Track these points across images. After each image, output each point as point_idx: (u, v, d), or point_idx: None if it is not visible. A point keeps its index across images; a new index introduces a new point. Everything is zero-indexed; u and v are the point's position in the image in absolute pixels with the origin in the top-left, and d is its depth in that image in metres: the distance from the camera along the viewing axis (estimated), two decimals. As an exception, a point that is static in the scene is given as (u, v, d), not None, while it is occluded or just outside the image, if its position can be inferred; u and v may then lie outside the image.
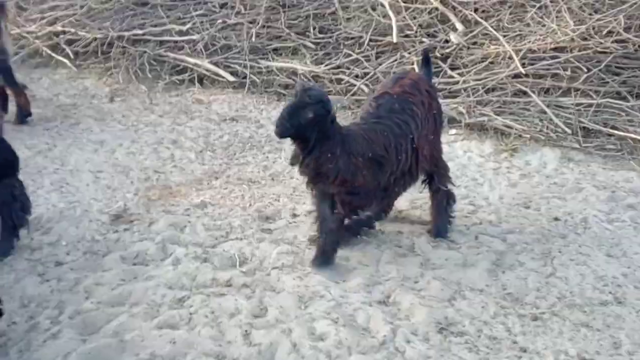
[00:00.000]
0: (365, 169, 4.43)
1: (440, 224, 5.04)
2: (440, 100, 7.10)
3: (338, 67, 8.19)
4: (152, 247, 4.94)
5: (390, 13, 8.42)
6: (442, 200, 5.03)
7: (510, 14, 8.06)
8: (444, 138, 6.77)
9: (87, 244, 5.04)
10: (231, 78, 8.77)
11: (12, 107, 8.16)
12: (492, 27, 7.89)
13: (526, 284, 4.47)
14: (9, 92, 7.78)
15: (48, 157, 6.92)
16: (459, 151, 6.63)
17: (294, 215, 5.41)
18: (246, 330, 3.94)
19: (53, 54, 10.37)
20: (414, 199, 5.64)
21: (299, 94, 4.21)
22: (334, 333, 3.88)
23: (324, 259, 4.60)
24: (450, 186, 5.10)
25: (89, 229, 5.27)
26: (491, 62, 7.62)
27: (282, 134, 4.25)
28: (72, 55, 10.18)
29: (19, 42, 10.48)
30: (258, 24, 9.31)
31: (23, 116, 7.90)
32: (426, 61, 5.17)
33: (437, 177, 5.03)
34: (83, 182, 6.23)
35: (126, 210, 5.63)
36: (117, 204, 5.73)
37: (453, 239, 5.00)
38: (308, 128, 4.20)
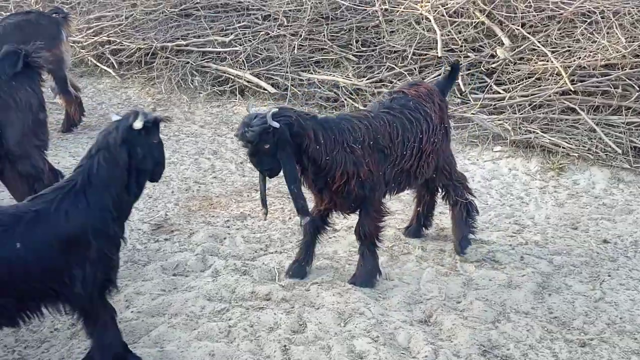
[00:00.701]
0: (367, 157, 4.29)
1: (461, 239, 4.92)
2: (484, 116, 7.06)
3: (380, 80, 8.13)
4: (192, 258, 4.93)
5: (435, 27, 8.34)
6: (461, 213, 4.92)
7: (559, 29, 7.90)
8: (487, 155, 6.72)
9: (128, 252, 5.05)
10: (272, 90, 8.77)
11: (59, 115, 8.32)
12: (540, 42, 7.75)
13: (574, 308, 4.32)
14: (60, 100, 7.95)
15: (91, 164, 6.98)
16: (503, 169, 6.49)
17: (334, 230, 5.35)
18: (285, 346, 3.88)
19: (98, 64, 10.56)
20: (456, 216, 5.53)
21: (242, 143, 4.05)
22: (373, 352, 3.79)
23: (367, 277, 4.52)
24: (470, 197, 4.98)
25: (130, 237, 5.29)
26: (538, 78, 7.47)
27: (272, 175, 4.20)
28: (116, 65, 10.34)
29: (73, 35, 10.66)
30: (300, 36, 9.32)
31: (70, 124, 8.04)
32: (452, 74, 5.08)
33: (452, 190, 4.92)
34: (125, 191, 6.26)
35: (167, 220, 5.64)
36: (158, 214, 5.75)
37: (497, 258, 4.87)
38: (275, 154, 4.04)
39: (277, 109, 4.07)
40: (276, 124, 3.96)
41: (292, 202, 4.22)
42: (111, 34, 10.67)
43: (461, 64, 7.96)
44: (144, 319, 4.11)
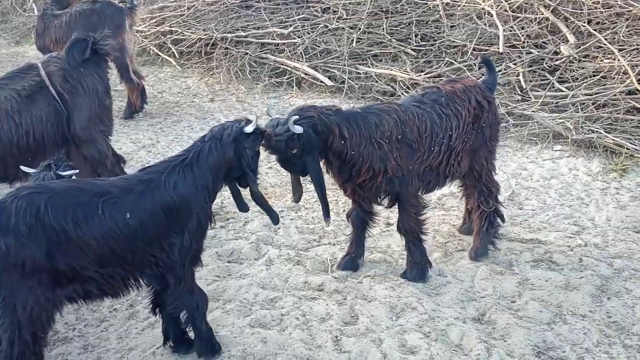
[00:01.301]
0: (395, 151, 4.24)
1: (478, 248, 4.80)
2: (545, 115, 6.90)
3: (439, 75, 8.04)
4: (246, 246, 5.00)
5: (498, 22, 8.19)
6: (483, 221, 4.78)
7: (627, 27, 7.64)
8: (547, 154, 6.57)
9: (184, 238, 5.15)
10: (329, 82, 8.79)
11: (121, 102, 8.55)
12: (606, 40, 7.51)
13: (633, 312, 4.19)
14: (124, 86, 8.17)
15: (151, 152, 7.17)
16: (563, 168, 6.34)
17: (388, 224, 5.34)
18: (336, 336, 3.90)
19: (160, 53, 10.79)
20: (513, 216, 5.44)
21: (270, 150, 4.06)
22: (425, 347, 3.78)
23: (418, 272, 4.50)
24: (497, 206, 4.85)
25: (187, 223, 5.40)
26: (603, 77, 7.25)
27: (303, 175, 4.22)
28: (177, 55, 10.55)
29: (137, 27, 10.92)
30: (359, 29, 9.30)
31: (132, 112, 8.26)
32: (489, 68, 4.95)
33: (477, 193, 4.78)
34: (183, 178, 6.39)
35: (223, 208, 5.74)
36: (215, 202, 5.82)
37: (554, 259, 4.77)
38: (301, 157, 4.06)
39: (298, 114, 4.06)
40: (299, 129, 3.96)
41: (320, 201, 4.28)
42: (173, 24, 10.89)
43: (522, 60, 7.80)
44: (199, 304, 4.18)
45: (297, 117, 4.01)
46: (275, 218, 3.88)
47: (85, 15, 7.73)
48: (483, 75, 7.41)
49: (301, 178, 4.35)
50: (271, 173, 6.54)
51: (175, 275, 3.46)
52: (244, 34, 10.12)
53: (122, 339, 3.97)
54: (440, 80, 7.95)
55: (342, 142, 4.11)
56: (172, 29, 10.84)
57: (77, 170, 3.87)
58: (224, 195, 5.98)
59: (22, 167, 3.95)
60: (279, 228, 5.31)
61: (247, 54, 9.80)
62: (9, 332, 3.05)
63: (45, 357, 3.65)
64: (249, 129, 3.56)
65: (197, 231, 3.48)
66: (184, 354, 3.75)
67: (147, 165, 3.61)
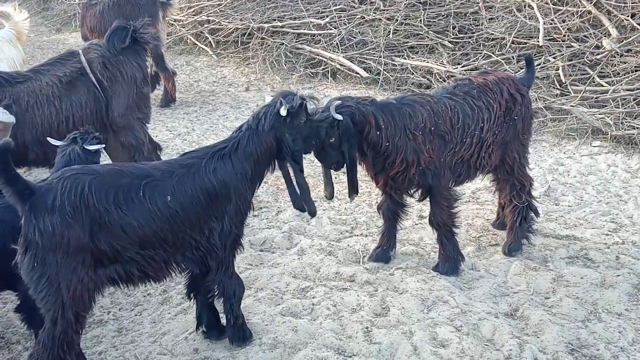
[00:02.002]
0: (428, 143, 4.21)
1: (511, 243, 4.74)
2: (584, 109, 6.77)
3: (476, 68, 7.92)
4: (278, 235, 5.03)
5: (538, 15, 8.05)
6: (515, 215, 4.71)
7: (672, 21, 7.45)
8: (585, 149, 6.45)
9: (218, 226, 5.21)
10: (364, 74, 8.76)
11: (157, 91, 8.65)
12: (650, 34, 7.34)
13: (671, 313, 4.11)
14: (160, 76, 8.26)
15: (187, 140, 7.25)
16: (602, 164, 6.22)
17: (421, 217, 5.31)
18: (367, 327, 3.91)
19: (197, 42, 10.88)
20: (548, 211, 5.37)
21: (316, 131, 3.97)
22: (456, 341, 3.75)
23: (451, 265, 4.48)
24: (530, 201, 4.77)
25: (221, 211, 5.45)
26: (646, 72, 7.09)
27: (338, 167, 4.18)
28: (213, 44, 10.63)
29: (167, 29, 11.05)
30: (396, 20, 9.24)
31: (168, 100, 8.35)
32: (529, 66, 4.86)
33: (509, 187, 4.71)
34: (217, 166, 6.45)
35: (256, 197, 5.75)
36: (248, 190, 5.88)
37: (590, 257, 4.69)
38: (341, 146, 4.04)
39: (339, 101, 4.06)
40: (340, 117, 3.96)
41: (349, 187, 4.25)
42: (210, 13, 10.96)
43: (562, 54, 7.67)
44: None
45: (338, 103, 4.02)
46: (312, 211, 3.88)
47: (119, 5, 7.84)
48: (521, 69, 7.35)
49: (332, 173, 4.33)
50: (305, 163, 6.52)
51: (217, 259, 3.52)
52: (280, 24, 10.14)
53: (156, 323, 4.03)
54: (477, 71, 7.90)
55: (378, 132, 4.11)
56: (210, 18, 10.92)
57: (103, 145, 3.88)
58: (258, 185, 6.02)
59: (49, 139, 3.99)
60: (311, 219, 5.32)
61: (283, 44, 9.82)
62: (52, 311, 3.12)
63: (81, 339, 3.74)
64: (283, 112, 3.54)
65: (237, 217, 3.54)
66: (216, 340, 3.80)
67: (188, 151, 3.65)
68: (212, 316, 3.79)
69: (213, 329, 3.80)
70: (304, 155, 3.82)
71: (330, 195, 4.33)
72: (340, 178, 6.14)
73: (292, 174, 3.81)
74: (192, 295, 3.77)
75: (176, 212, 3.30)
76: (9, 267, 3.28)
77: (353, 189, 4.26)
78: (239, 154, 3.51)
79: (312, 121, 3.79)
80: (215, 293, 3.65)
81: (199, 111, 8.28)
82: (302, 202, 3.82)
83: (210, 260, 3.52)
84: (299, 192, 3.82)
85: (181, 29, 11.20)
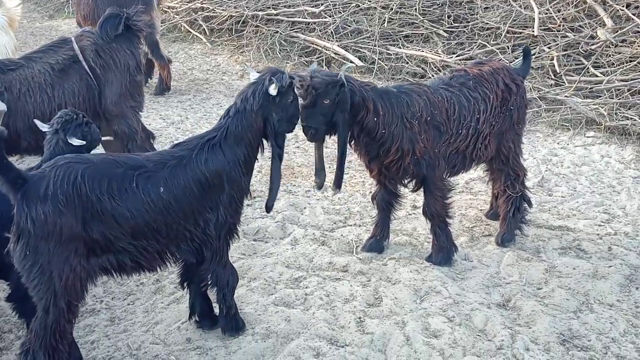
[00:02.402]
0: (423, 133, 4.21)
1: (504, 233, 4.75)
2: (579, 100, 6.77)
3: (471, 57, 7.90)
4: (272, 225, 5.02)
5: (533, 4, 8.02)
6: (510, 206, 4.72)
7: (667, 11, 7.44)
8: (579, 140, 6.46)
9: (211, 215, 5.20)
10: (359, 63, 8.71)
11: (151, 79, 8.60)
12: (645, 24, 7.32)
13: (662, 304, 4.13)
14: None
15: (180, 129, 7.21)
16: (595, 155, 6.22)
17: (414, 207, 5.31)
18: (360, 317, 3.92)
19: (190, 30, 10.81)
20: (541, 202, 5.38)
21: (303, 90, 3.92)
22: (448, 331, 3.77)
23: (444, 256, 4.48)
24: (524, 191, 4.79)
25: (214, 200, 5.44)
26: (640, 63, 7.09)
27: (314, 138, 4.07)
28: (207, 32, 10.56)
29: (161, 16, 10.97)
30: (391, 9, 9.20)
31: (162, 88, 8.31)
32: (526, 58, 4.87)
33: (503, 177, 4.72)
34: (211, 155, 6.43)
35: (252, 187, 5.74)
36: (242, 179, 5.86)
37: (583, 247, 4.70)
38: (331, 116, 3.98)
39: (347, 69, 4.05)
40: (345, 83, 3.95)
41: (336, 169, 4.19)
42: (204, 1, 10.88)
43: (557, 43, 7.65)
44: (224, 280, 4.22)
45: (349, 67, 3.99)
46: (270, 206, 3.80)
47: None
48: (516, 59, 7.34)
49: (325, 161, 4.29)
50: (298, 152, 6.54)
51: (212, 249, 3.52)
52: (274, 12, 10.08)
53: (148, 312, 4.03)
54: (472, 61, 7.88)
55: (375, 119, 4.09)
56: (204, 5, 10.84)
57: (84, 142, 3.67)
58: (251, 174, 6.00)
59: (36, 121, 3.83)
60: (304, 208, 5.32)
61: (277, 32, 9.76)
62: (44, 300, 3.11)
63: (74, 328, 3.74)
64: (272, 91, 3.48)
65: (231, 206, 3.52)
66: (209, 329, 3.80)
67: (179, 142, 3.61)
68: (205, 305, 3.79)
69: (206, 318, 3.81)
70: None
71: (320, 184, 4.28)
72: (333, 167, 6.13)
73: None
74: (185, 284, 3.77)
75: (169, 203, 3.28)
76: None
77: (338, 183, 4.24)
78: (230, 141, 3.47)
79: (296, 99, 3.71)
80: (209, 283, 3.64)
81: (193, 99, 8.24)
82: (269, 192, 3.74)
83: (205, 250, 3.52)
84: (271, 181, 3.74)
85: (175, 16, 11.13)
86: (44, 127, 3.78)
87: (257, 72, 3.65)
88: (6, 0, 6.70)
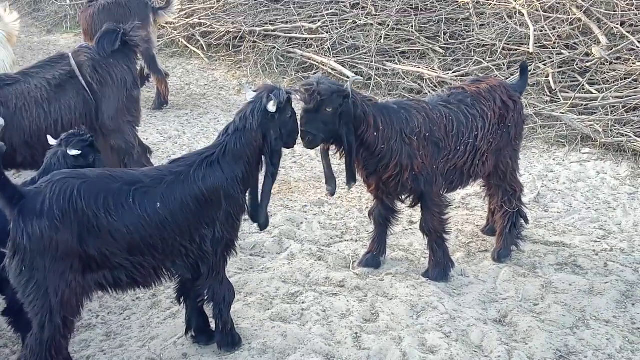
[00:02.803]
0: (422, 149, 4.23)
1: (500, 249, 4.76)
2: (574, 116, 6.80)
3: (466, 74, 7.96)
4: (269, 240, 5.02)
5: (529, 22, 8.09)
6: (505, 221, 4.75)
7: (661, 29, 7.51)
8: (575, 156, 6.48)
9: (208, 230, 5.19)
10: (355, 78, 8.73)
11: (149, 93, 8.62)
12: (639, 42, 7.37)
13: (659, 320, 4.13)
14: (152, 78, 8.23)
15: (177, 143, 7.23)
16: (591, 171, 6.25)
17: (411, 222, 5.32)
18: (356, 333, 3.90)
19: (188, 45, 10.85)
20: (537, 218, 5.39)
21: (307, 96, 3.97)
22: (445, 347, 3.76)
23: (441, 271, 4.48)
24: (520, 207, 4.81)
25: (211, 215, 5.44)
26: (635, 80, 7.14)
27: (311, 144, 4.06)
28: (205, 47, 10.60)
29: (159, 31, 11.01)
30: (388, 25, 9.26)
31: (160, 103, 8.33)
32: (522, 74, 4.93)
33: (500, 193, 4.75)
34: (208, 170, 6.44)
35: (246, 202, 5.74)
36: (239, 194, 5.86)
37: (579, 263, 4.71)
38: (333, 126, 4.01)
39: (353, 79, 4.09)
40: (351, 95, 3.98)
41: (346, 166, 4.19)
42: (202, 16, 10.94)
43: (552, 61, 7.71)
44: (220, 295, 4.20)
45: (356, 79, 4.01)
46: (263, 223, 3.75)
47: (110, 8, 7.82)
48: (512, 75, 7.39)
49: (334, 170, 4.30)
50: (295, 167, 6.55)
51: (208, 264, 3.51)
52: (272, 27, 10.14)
53: (144, 327, 4.01)
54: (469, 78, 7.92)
55: (375, 133, 4.12)
56: (201, 21, 10.90)
57: (80, 152, 3.76)
58: (248, 189, 6.01)
59: (49, 137, 3.94)
60: (301, 223, 5.32)
61: (274, 47, 9.81)
62: (40, 316, 3.10)
63: (69, 343, 3.72)
64: (271, 108, 3.49)
65: (228, 222, 3.51)
66: (205, 345, 3.79)
67: (176, 158, 3.60)
68: (202, 321, 3.78)
69: (202, 333, 3.79)
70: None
71: (332, 191, 4.28)
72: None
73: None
74: (181, 299, 3.76)
75: (165, 219, 3.28)
76: None
77: (352, 176, 4.23)
78: (228, 158, 3.47)
79: (294, 114, 3.74)
80: (205, 298, 3.63)
81: (190, 114, 8.26)
82: (258, 209, 3.70)
83: (202, 266, 3.51)
84: (260, 199, 3.71)
85: (173, 31, 11.17)
86: (52, 141, 3.84)
87: (254, 90, 3.66)
88: (5, 15, 6.72)
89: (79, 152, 3.73)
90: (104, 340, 3.95)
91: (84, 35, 8.05)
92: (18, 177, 5.78)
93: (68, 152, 3.74)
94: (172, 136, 7.43)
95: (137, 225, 3.20)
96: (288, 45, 9.84)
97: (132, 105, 5.09)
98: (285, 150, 7.05)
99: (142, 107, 5.36)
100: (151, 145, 6.08)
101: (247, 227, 5.25)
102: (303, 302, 4.20)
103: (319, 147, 4.23)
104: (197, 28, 10.91)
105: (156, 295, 4.35)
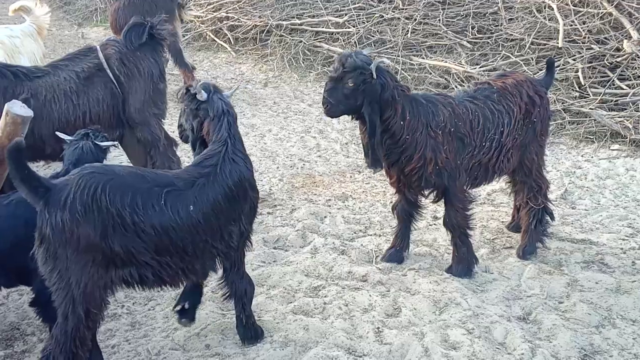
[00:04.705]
0: (446, 144, 4.20)
1: (526, 246, 4.71)
2: (603, 112, 6.70)
3: (494, 69, 7.88)
4: (292, 233, 5.03)
5: (558, 16, 7.97)
6: (531, 218, 4.69)
7: (695, 23, 7.34)
8: (604, 153, 6.38)
9: (232, 222, 5.23)
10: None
11: (176, 86, 8.68)
12: (671, 37, 7.24)
13: (687, 320, 4.05)
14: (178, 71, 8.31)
15: (203, 136, 7.26)
16: (620, 168, 6.15)
17: (435, 218, 5.29)
18: (378, 328, 3.90)
19: (216, 39, 10.91)
20: (564, 215, 5.32)
21: (336, 65, 4.04)
22: (467, 344, 3.74)
23: (464, 267, 4.46)
24: (546, 204, 4.74)
25: (235, 208, 5.47)
26: (667, 75, 7.00)
27: (329, 112, 4.15)
28: (232, 41, 10.65)
29: (186, 25, 11.09)
30: (415, 20, 9.21)
31: (186, 96, 8.38)
32: (549, 70, 4.85)
33: (526, 189, 4.68)
34: (233, 163, 6.48)
35: (271, 195, 5.78)
36: (263, 188, 5.90)
37: (606, 261, 4.64)
38: (354, 101, 4.05)
39: (386, 66, 4.09)
40: (374, 74, 3.99)
41: (369, 152, 4.18)
42: (230, 10, 10.99)
43: (582, 56, 7.59)
44: (243, 288, 4.23)
45: (383, 65, 4.07)
46: None
47: (137, 2, 7.90)
48: (540, 70, 7.28)
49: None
50: (320, 161, 6.56)
51: (231, 260, 3.55)
52: (299, 21, 10.15)
53: (168, 318, 4.05)
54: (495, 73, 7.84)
55: (402, 122, 4.12)
56: (229, 15, 10.95)
57: (116, 143, 3.85)
58: (272, 182, 6.04)
59: (58, 133, 4.01)
60: (325, 217, 5.32)
61: (301, 41, 9.82)
62: (63, 306, 3.14)
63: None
64: (201, 97, 3.51)
65: (251, 213, 3.57)
66: (189, 322, 3.85)
67: (199, 161, 3.53)
68: (197, 300, 3.86)
69: (191, 311, 3.84)
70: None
71: (372, 162, 4.22)
72: (355, 177, 6.15)
73: None
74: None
75: (198, 222, 3.27)
76: (22, 262, 3.32)
77: (375, 161, 4.21)
78: (237, 149, 3.50)
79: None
80: (228, 293, 3.66)
81: (216, 108, 8.29)
82: None
83: (225, 262, 3.55)
84: None
85: (200, 25, 11.24)
86: (66, 137, 3.91)
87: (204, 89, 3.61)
88: (36, 9, 6.82)
89: (113, 144, 3.79)
90: (128, 330, 4.00)
91: (112, 29, 8.14)
92: (47, 168, 5.88)
93: (98, 143, 3.80)
94: (198, 129, 7.48)
95: (167, 227, 3.19)
96: (314, 39, 9.84)
97: (159, 98, 5.13)
98: (310, 144, 7.09)
99: (168, 100, 5.41)
100: (177, 138, 6.13)
101: (270, 220, 5.29)
102: (325, 296, 4.21)
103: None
104: (225, 22, 10.97)
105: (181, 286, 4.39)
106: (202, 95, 3.54)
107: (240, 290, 3.64)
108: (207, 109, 3.55)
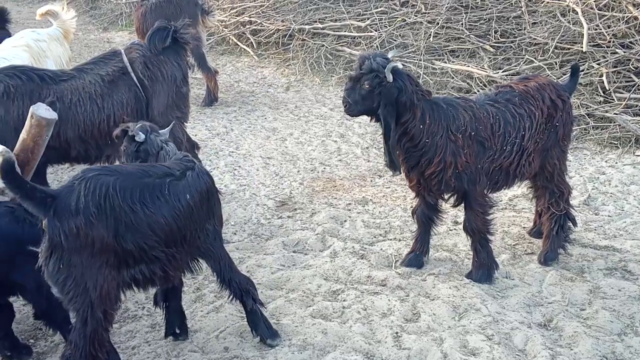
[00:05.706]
0: (466, 148, 4.18)
1: (547, 252, 4.66)
2: (628, 117, 6.61)
3: (517, 73, 7.80)
4: (312, 237, 5.05)
5: (582, 20, 7.88)
6: (552, 223, 4.64)
7: None
8: (628, 158, 6.30)
9: (252, 226, 5.26)
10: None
11: (199, 90, 8.76)
12: (698, 41, 7.12)
13: None
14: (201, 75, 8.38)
15: (225, 140, 7.33)
16: (645, 174, 6.07)
17: (456, 223, 5.27)
18: (397, 332, 3.90)
19: (238, 43, 10.98)
20: (587, 221, 5.26)
21: (357, 66, 4.08)
22: (487, 350, 3.72)
23: (484, 273, 4.43)
24: (568, 209, 4.69)
25: (256, 212, 5.51)
26: (693, 80, 6.88)
27: (348, 111, 4.21)
28: (255, 45, 10.70)
29: (210, 30, 11.17)
30: (437, 24, 9.17)
31: (211, 100, 8.47)
32: (573, 75, 4.80)
33: (547, 194, 4.63)
34: (254, 167, 6.53)
35: (291, 198, 5.80)
36: (283, 191, 5.93)
37: (629, 268, 4.58)
38: (371, 102, 4.08)
39: (403, 69, 4.11)
40: (390, 78, 4.01)
41: (388, 161, 4.23)
42: (252, 14, 11.05)
43: (606, 60, 7.50)
44: (262, 291, 4.25)
45: (399, 68, 4.10)
46: None
47: (161, 7, 7.98)
48: (564, 75, 7.22)
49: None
50: (340, 165, 6.56)
51: (216, 259, 3.64)
52: (321, 25, 10.17)
53: (188, 320, 4.08)
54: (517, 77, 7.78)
55: (421, 126, 4.12)
56: (252, 19, 11.01)
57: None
58: (293, 186, 6.06)
59: (133, 133, 3.89)
60: (345, 221, 5.33)
61: (323, 45, 9.84)
62: (81, 311, 3.16)
63: (115, 333, 3.83)
64: (139, 138, 3.60)
65: (219, 214, 3.70)
66: (185, 338, 3.91)
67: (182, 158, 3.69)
68: (183, 318, 3.92)
69: (183, 330, 3.91)
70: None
71: (389, 164, 4.28)
72: (375, 182, 6.14)
73: None
74: (161, 304, 3.86)
75: (192, 209, 3.39)
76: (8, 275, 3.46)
77: (392, 163, 4.24)
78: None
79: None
80: (232, 294, 3.71)
81: (238, 111, 8.36)
82: None
83: (213, 263, 3.63)
84: None
85: (224, 29, 11.32)
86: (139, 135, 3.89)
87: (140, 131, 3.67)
88: (62, 13, 6.93)
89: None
90: (149, 331, 4.05)
91: (136, 33, 8.24)
92: (72, 171, 5.97)
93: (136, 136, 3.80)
94: (219, 132, 7.54)
95: (173, 215, 3.30)
96: (337, 44, 9.85)
97: (181, 102, 5.19)
98: (331, 148, 7.09)
99: (191, 104, 5.47)
100: (199, 141, 6.20)
101: (290, 224, 5.30)
102: (344, 300, 4.21)
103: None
104: (248, 26, 11.03)
105: (200, 289, 4.43)
106: (140, 137, 3.62)
107: (242, 283, 3.70)
108: (146, 149, 3.65)
